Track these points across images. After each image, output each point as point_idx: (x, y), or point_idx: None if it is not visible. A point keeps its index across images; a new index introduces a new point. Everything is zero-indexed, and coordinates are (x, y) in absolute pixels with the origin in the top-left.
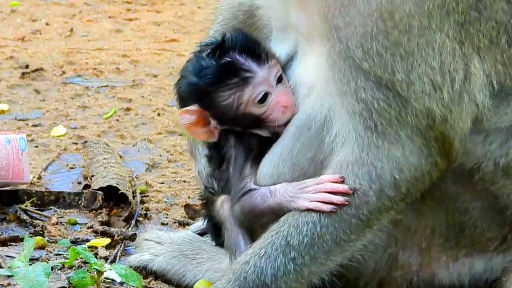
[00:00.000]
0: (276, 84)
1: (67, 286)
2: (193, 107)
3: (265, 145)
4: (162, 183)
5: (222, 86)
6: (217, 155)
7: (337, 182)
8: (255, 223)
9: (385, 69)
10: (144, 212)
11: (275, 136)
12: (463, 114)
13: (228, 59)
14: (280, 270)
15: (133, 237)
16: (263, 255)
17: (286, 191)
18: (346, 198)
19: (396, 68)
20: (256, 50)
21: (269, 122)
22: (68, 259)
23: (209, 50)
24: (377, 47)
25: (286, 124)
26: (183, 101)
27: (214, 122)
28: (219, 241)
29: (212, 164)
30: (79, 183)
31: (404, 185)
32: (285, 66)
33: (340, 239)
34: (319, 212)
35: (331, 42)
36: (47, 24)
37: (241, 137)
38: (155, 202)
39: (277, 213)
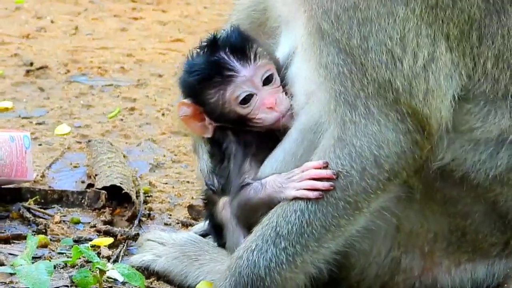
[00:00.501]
0: (264, 85)
1: (69, 285)
2: (189, 101)
3: (265, 140)
4: (166, 183)
5: (208, 83)
6: (218, 151)
7: (320, 168)
8: (251, 218)
9: (342, 32)
10: (147, 212)
11: (276, 131)
12: (429, 91)
13: (215, 57)
14: (272, 261)
15: (136, 237)
16: (254, 248)
17: (275, 182)
18: (331, 183)
19: (352, 32)
20: (245, 49)
21: (256, 123)
22: (70, 257)
23: (202, 48)
24: (336, 8)
25: (277, 125)
26: (182, 95)
27: (207, 118)
28: (221, 242)
29: (214, 161)
30: (83, 182)
31: (386, 162)
32: (287, 62)
33: (329, 224)
34: (306, 199)
35: (305, 12)
36: (52, 21)
37: (238, 133)
38: (159, 202)
39: (269, 205)
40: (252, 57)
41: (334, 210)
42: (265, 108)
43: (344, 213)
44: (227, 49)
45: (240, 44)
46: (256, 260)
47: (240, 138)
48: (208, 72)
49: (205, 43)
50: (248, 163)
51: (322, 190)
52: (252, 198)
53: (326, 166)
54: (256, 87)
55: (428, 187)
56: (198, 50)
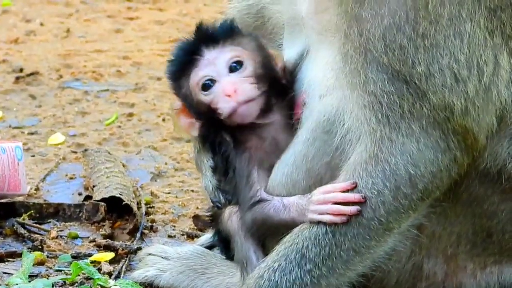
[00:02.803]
0: (230, 72)
1: None
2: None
3: (269, 143)
4: (169, 193)
5: (180, 73)
6: (221, 162)
7: (348, 190)
8: (268, 235)
9: (405, 62)
10: (150, 224)
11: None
12: (489, 107)
13: (189, 44)
14: (296, 283)
15: (138, 251)
16: (277, 268)
17: (298, 205)
18: (358, 207)
19: (417, 61)
20: (218, 34)
21: (220, 114)
22: (69, 275)
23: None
24: (401, 39)
25: (234, 116)
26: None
27: (189, 113)
28: (230, 254)
29: (218, 174)
30: (80, 194)
31: (421, 181)
32: (298, 65)
33: (359, 246)
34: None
35: (348, 36)
36: (41, 24)
37: (236, 137)
38: (162, 214)
39: (291, 227)
40: (222, 42)
41: (366, 231)
42: (223, 95)
43: (375, 234)
44: (202, 36)
45: (216, 30)
46: (279, 281)
47: (239, 143)
48: (178, 59)
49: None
50: (256, 171)
51: (349, 215)
52: (272, 217)
53: (354, 187)
54: (218, 72)
55: (452, 188)
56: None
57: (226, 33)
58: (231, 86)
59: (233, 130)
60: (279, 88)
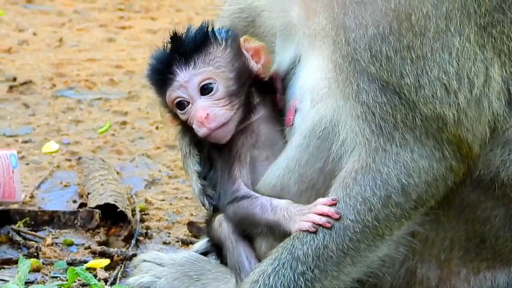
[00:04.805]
0: (202, 94)
1: None
2: None
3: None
4: (163, 200)
5: (154, 83)
6: (206, 159)
7: (328, 205)
8: (247, 230)
9: (393, 72)
10: (145, 231)
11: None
12: (482, 118)
13: (164, 57)
14: (290, 286)
15: (133, 258)
16: (271, 272)
17: (287, 210)
18: (328, 219)
19: (405, 72)
20: (191, 52)
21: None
22: (65, 281)
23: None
24: (387, 50)
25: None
26: None
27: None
28: (224, 260)
29: (204, 170)
30: (74, 201)
31: (414, 191)
32: (290, 72)
33: (347, 247)
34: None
35: (336, 44)
36: (34, 34)
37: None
38: (156, 220)
39: (272, 228)
40: (192, 62)
41: (351, 233)
42: (196, 120)
43: (363, 237)
44: (175, 52)
45: (189, 46)
46: (274, 285)
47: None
48: (152, 72)
49: (167, 41)
50: (238, 165)
51: (319, 225)
52: (256, 214)
53: (335, 204)
54: (190, 95)
55: (446, 195)
56: (161, 47)
57: (198, 46)
58: (202, 112)
59: None
60: (261, 85)
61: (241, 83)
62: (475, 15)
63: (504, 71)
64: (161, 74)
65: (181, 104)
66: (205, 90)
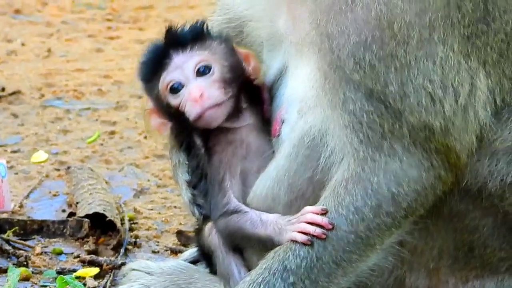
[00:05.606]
0: (198, 76)
1: None
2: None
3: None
4: (152, 209)
5: (149, 74)
6: (195, 167)
7: (318, 213)
8: (238, 244)
9: (377, 80)
10: (134, 240)
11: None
12: (468, 127)
13: (158, 46)
14: None
15: (122, 266)
16: (261, 282)
17: (276, 224)
18: (323, 231)
19: (389, 80)
20: (186, 37)
21: (188, 118)
22: None
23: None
24: (370, 58)
25: (201, 121)
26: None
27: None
28: (214, 269)
29: (194, 178)
30: (63, 211)
31: (404, 200)
32: (277, 81)
33: (340, 259)
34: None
35: (321, 52)
36: (23, 44)
37: (204, 138)
38: (145, 229)
39: (264, 243)
40: (189, 47)
41: (345, 244)
42: (190, 99)
43: (356, 248)
44: (171, 40)
45: (185, 34)
46: None
47: (210, 147)
48: (148, 62)
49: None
50: (228, 177)
51: (313, 236)
52: (246, 230)
53: (324, 213)
54: (186, 76)
55: (434, 204)
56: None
57: (194, 36)
58: (197, 91)
59: (204, 133)
60: (250, 91)
61: (235, 74)
62: (459, 25)
63: (490, 81)
64: (157, 59)
65: (175, 88)
66: (200, 72)
